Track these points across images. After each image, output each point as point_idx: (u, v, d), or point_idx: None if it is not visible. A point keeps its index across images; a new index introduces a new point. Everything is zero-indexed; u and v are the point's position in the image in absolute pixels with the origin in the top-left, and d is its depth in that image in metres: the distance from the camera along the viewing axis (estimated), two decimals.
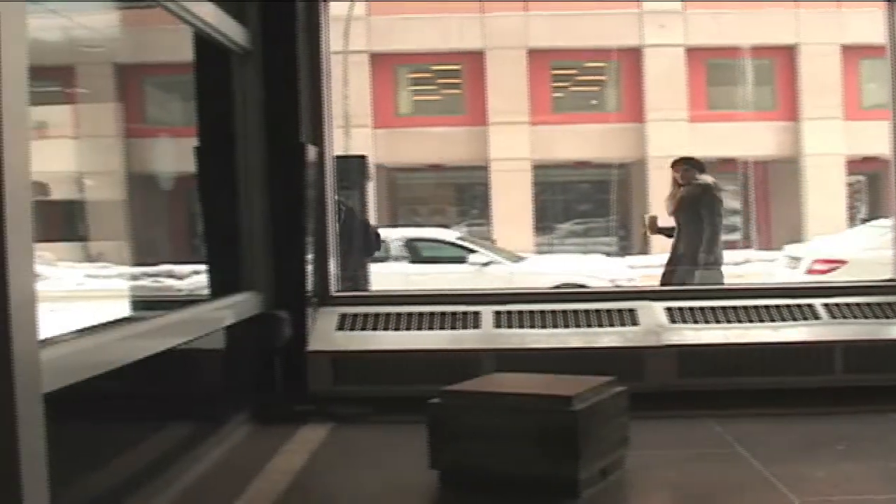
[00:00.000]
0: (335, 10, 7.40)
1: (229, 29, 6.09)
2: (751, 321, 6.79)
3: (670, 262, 11.19)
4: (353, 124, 29.18)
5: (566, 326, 6.80)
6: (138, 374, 4.51)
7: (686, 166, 11.16)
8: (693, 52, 32.17)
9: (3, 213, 3.03)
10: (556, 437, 4.65)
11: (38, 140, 3.37)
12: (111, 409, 4.46)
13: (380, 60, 32.98)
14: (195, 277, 10.08)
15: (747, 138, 31.02)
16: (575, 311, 6.90)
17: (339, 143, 7.30)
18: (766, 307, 6.87)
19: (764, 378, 6.46)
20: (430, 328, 6.82)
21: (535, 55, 32.40)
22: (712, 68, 32.75)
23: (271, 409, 6.40)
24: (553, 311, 6.90)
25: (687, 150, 29.44)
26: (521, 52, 32.44)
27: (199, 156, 6.47)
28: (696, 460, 5.35)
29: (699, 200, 10.80)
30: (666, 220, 11.27)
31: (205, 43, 6.16)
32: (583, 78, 34.14)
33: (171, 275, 11.98)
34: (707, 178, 11.02)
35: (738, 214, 32.92)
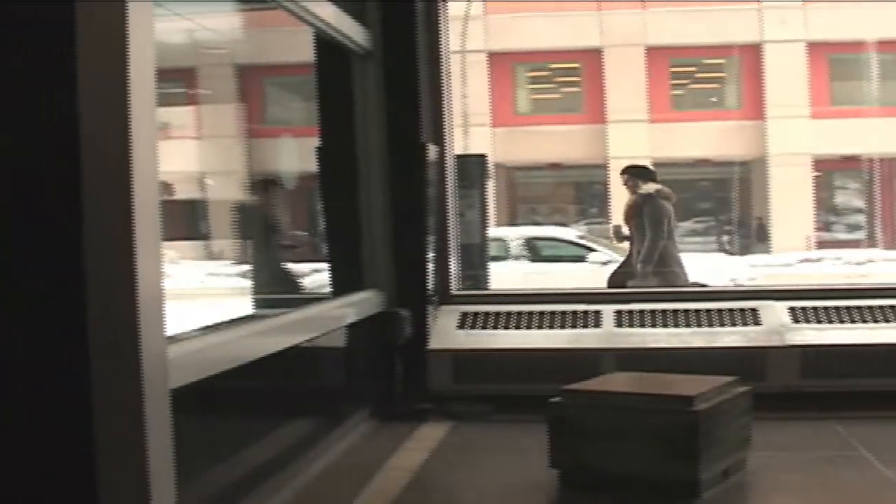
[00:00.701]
0: (453, 9, 7.42)
1: (350, 30, 6.14)
2: (875, 321, 6.65)
3: (622, 266, 11.35)
4: (471, 123, 29.23)
5: (687, 326, 6.73)
6: (262, 371, 4.56)
7: (628, 175, 11.13)
8: (815, 47, 31.66)
9: (132, 212, 3.09)
10: (677, 437, 4.61)
11: (161, 141, 3.41)
12: (235, 406, 4.52)
13: (498, 59, 33.00)
14: (315, 276, 10.15)
15: (872, 135, 30.41)
16: (696, 311, 6.82)
17: (458, 142, 7.31)
18: (892, 307, 6.73)
19: (889, 380, 6.32)
20: (551, 327, 6.79)
21: (654, 52, 32.17)
22: (835, 63, 32.21)
23: (391, 407, 6.43)
24: (674, 311, 6.83)
25: (809, 147, 28.99)
26: (639, 50, 32.23)
27: (321, 155, 6.54)
28: (819, 463, 5.25)
29: (640, 210, 10.77)
30: None
31: (326, 44, 6.22)
32: (702, 75, 33.82)
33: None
34: (650, 188, 10.89)
35: (863, 213, 32.38)
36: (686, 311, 6.84)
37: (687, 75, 33.68)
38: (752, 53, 32.25)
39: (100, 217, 3.10)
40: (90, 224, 3.09)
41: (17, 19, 3.23)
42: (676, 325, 6.74)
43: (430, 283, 6.80)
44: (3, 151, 3.23)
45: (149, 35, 3.31)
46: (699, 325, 6.73)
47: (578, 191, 35.86)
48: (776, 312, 6.78)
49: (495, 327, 6.85)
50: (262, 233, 10.13)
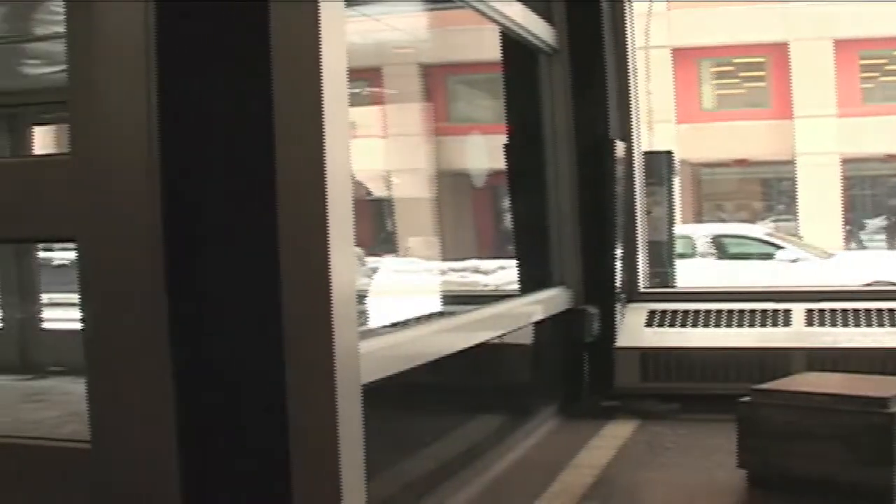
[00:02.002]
0: (637, 6, 7.38)
1: (537, 28, 6.16)
2: None
3: None
4: (656, 120, 28.98)
5: (880, 325, 6.56)
6: (450, 368, 4.60)
7: None
8: None
9: (326, 211, 3.15)
10: (869, 439, 4.50)
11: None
12: (423, 402, 4.57)
13: (682, 55, 32.63)
14: (501, 273, 10.20)
15: None
16: (890, 310, 6.65)
17: (643, 139, 7.28)
18: None
19: None
20: (739, 326, 6.70)
21: (842, 45, 31.38)
22: None
23: (578, 405, 6.43)
24: (866, 310, 6.66)
25: None
26: (826, 43, 31.48)
27: (509, 153, 6.56)
28: None
29: None
30: None
31: (512, 42, 6.24)
32: (893, 67, 32.89)
33: (476, 270, 12.13)
34: None
35: None
36: (879, 310, 6.67)
37: (877, 68, 32.79)
38: None
39: (294, 216, 3.17)
40: (285, 222, 3.17)
41: (212, 22, 3.32)
42: (869, 325, 6.58)
43: (618, 280, 6.77)
44: (199, 153, 3.34)
45: (340, 36, 3.37)
46: (893, 325, 6.55)
47: (765, 187, 35.24)
48: None
49: (683, 325, 6.78)
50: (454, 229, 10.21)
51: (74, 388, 5.46)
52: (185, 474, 3.47)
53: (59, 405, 6.82)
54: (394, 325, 4.35)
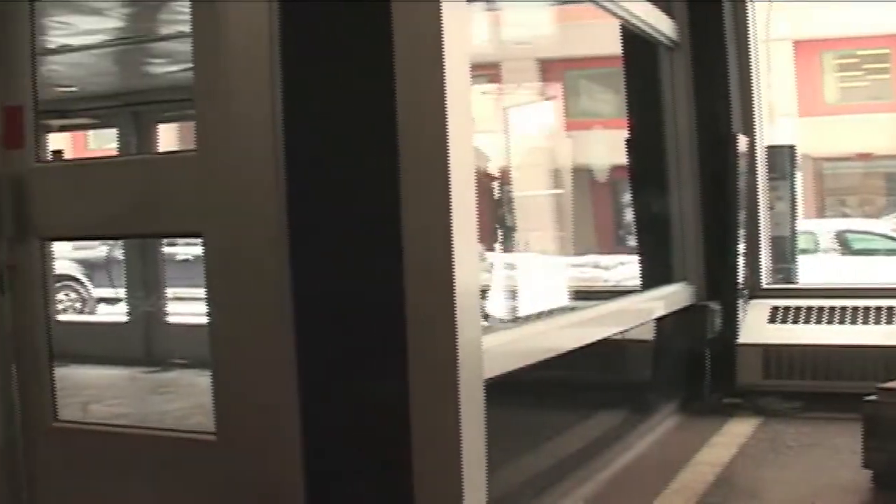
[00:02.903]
0: None
1: (658, 22, 6.12)
2: None
3: None
4: (778, 114, 28.58)
5: None
6: (571, 363, 4.59)
7: None
8: None
9: (450, 206, 3.16)
10: None
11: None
12: (544, 397, 4.57)
13: (804, 47, 32.11)
14: (621, 269, 10.14)
15: None
16: None
17: (765, 133, 7.19)
18: None
19: None
20: (864, 322, 6.59)
21: None
22: None
23: (699, 402, 6.37)
24: None
25: None
26: None
27: (630, 148, 6.53)
28: None
29: None
30: None
31: (633, 36, 6.21)
32: None
33: (596, 265, 12.07)
34: None
35: None
36: None
37: None
38: None
39: (418, 211, 3.19)
40: (409, 218, 3.19)
41: (334, 20, 3.36)
42: None
43: (740, 276, 6.70)
44: (323, 150, 3.37)
45: (463, 34, 3.38)
46: None
47: (889, 182, 34.53)
48: None
49: (806, 322, 6.69)
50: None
51: (198, 381, 5.56)
52: (307, 465, 3.51)
53: (184, 397, 6.94)
54: (514, 320, 4.34)
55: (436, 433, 3.30)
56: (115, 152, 9.64)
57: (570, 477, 4.69)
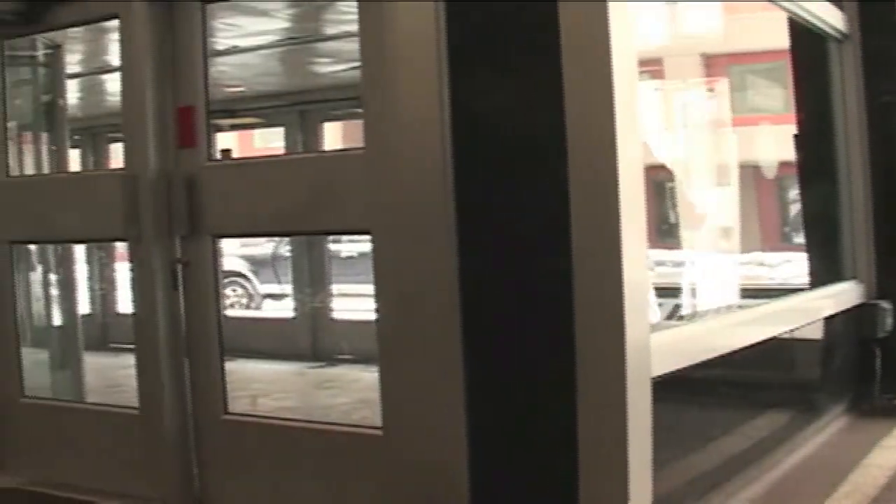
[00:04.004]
0: None
1: (826, 13, 6.00)
2: None
3: None
4: None
5: None
6: (738, 362, 4.54)
7: None
8: None
9: (619, 204, 3.15)
10: None
11: None
12: (710, 396, 4.52)
13: None
14: (787, 266, 9.97)
15: None
16: None
17: None
18: None
19: None
20: None
21: None
22: None
23: (869, 402, 6.24)
24: None
25: None
26: None
27: (799, 143, 6.42)
28: None
29: None
30: None
31: (800, 29, 6.10)
32: None
33: (761, 263, 11.89)
34: None
35: None
36: None
37: None
38: None
39: (587, 208, 3.19)
40: (577, 215, 3.19)
41: (500, 18, 3.37)
42: None
43: None
44: (490, 148, 3.39)
45: (631, 29, 3.36)
46: None
47: None
48: None
49: None
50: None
51: (363, 376, 5.64)
52: (472, 462, 3.54)
53: (349, 392, 7.02)
54: (680, 318, 4.31)
55: (602, 431, 3.29)
56: (279, 151, 9.81)
57: (737, 477, 4.63)
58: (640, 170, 3.33)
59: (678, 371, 3.80)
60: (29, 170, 5.69)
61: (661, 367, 3.54)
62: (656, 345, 3.48)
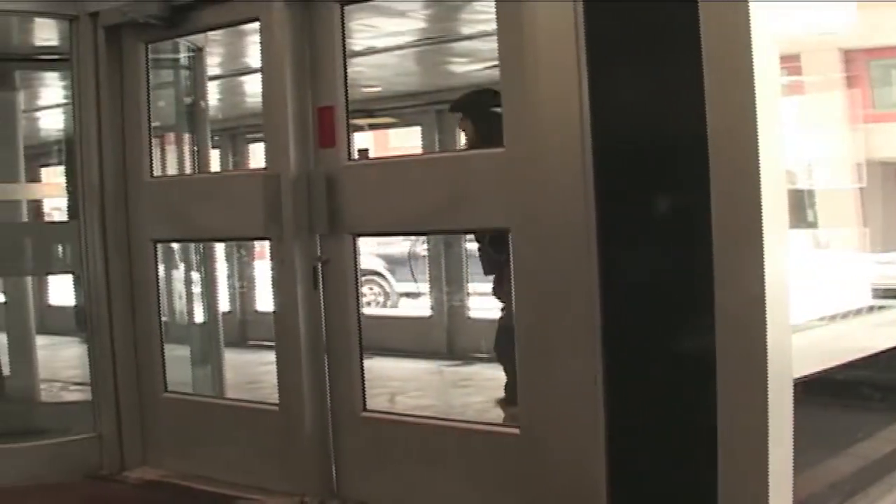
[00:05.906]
0: None
1: None
2: None
3: None
4: None
5: None
6: (881, 363, 4.46)
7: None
8: None
9: (761, 201, 3.11)
10: None
11: None
12: (852, 398, 4.45)
13: None
14: None
15: None
16: None
17: None
18: None
19: None
20: None
21: None
22: None
23: None
24: None
25: None
26: None
27: None
28: None
29: None
30: None
31: None
32: None
33: None
34: None
35: None
36: None
37: None
38: None
39: (728, 207, 3.16)
40: (719, 215, 3.16)
41: (639, 17, 3.35)
42: None
43: None
44: (630, 146, 3.37)
45: (772, 26, 3.32)
46: None
47: None
48: None
49: None
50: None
51: (499, 375, 5.64)
52: (611, 463, 3.52)
53: (484, 391, 7.02)
54: (820, 319, 4.23)
55: (743, 432, 3.25)
56: (414, 150, 9.84)
57: (880, 482, 4.54)
58: (783, 168, 3.29)
59: (820, 372, 3.75)
60: (172, 170, 5.81)
61: (803, 368, 3.49)
62: (798, 346, 3.43)
